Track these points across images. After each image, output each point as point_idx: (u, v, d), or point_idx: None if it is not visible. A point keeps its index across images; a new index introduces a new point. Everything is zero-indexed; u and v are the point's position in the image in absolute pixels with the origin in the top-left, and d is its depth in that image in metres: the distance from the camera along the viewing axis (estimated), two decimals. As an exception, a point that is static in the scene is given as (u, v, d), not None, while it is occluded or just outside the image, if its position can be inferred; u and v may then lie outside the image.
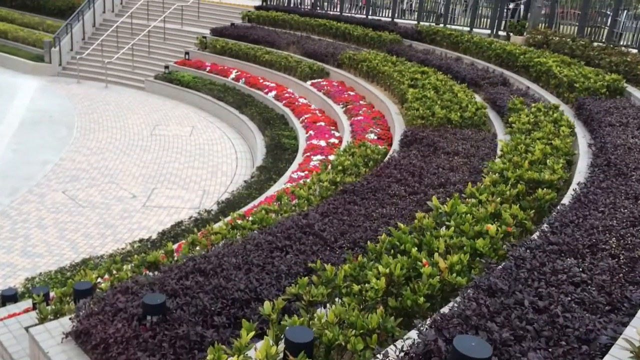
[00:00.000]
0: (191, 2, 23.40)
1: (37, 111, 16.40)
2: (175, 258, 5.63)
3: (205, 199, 11.34)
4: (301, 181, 9.36)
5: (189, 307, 4.16)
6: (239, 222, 6.46)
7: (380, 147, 9.76)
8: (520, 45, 13.61)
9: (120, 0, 24.05)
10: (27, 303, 6.25)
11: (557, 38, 13.00)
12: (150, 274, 5.50)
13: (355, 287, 3.34)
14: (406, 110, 10.72)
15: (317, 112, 14.41)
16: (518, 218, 4.49)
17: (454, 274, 3.50)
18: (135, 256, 5.48)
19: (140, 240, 8.22)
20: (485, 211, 4.55)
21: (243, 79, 17.89)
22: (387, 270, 3.48)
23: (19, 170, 12.16)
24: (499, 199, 4.80)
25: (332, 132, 12.82)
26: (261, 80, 17.51)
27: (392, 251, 3.94)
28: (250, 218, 6.52)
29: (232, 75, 18.34)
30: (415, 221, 4.43)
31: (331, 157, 10.95)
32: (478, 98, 11.44)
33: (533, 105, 8.88)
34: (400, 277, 3.44)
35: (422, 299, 3.26)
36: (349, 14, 21.13)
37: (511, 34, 15.29)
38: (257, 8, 22.92)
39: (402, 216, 5.91)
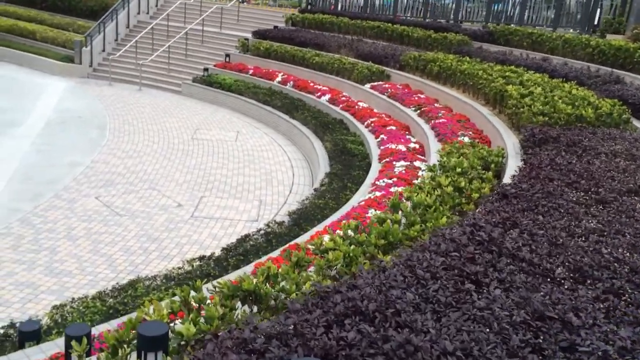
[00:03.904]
0: (230, 5, 21.94)
1: (64, 111, 14.76)
2: (281, 285, 3.72)
3: (264, 211, 9.46)
4: (396, 189, 7.47)
5: (365, 384, 2.24)
6: (356, 236, 4.55)
7: (492, 149, 7.84)
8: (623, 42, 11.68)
9: (156, 2, 22.70)
10: (54, 345, 4.37)
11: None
12: (247, 308, 3.60)
13: None
14: (513, 108, 8.80)
15: (383, 115, 12.56)
16: None
17: None
18: (222, 281, 3.59)
19: (201, 258, 6.31)
20: None
21: (291, 82, 16.15)
22: None
23: (44, 173, 10.41)
24: None
25: (407, 136, 10.94)
26: (311, 84, 15.77)
27: None
28: (371, 231, 4.61)
29: (278, 79, 16.62)
30: None
31: (416, 164, 9.11)
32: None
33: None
34: None
35: None
36: (404, 17, 19.45)
37: (605, 32, 13.38)
38: (302, 11, 21.41)
39: (618, 232, 3.95)
